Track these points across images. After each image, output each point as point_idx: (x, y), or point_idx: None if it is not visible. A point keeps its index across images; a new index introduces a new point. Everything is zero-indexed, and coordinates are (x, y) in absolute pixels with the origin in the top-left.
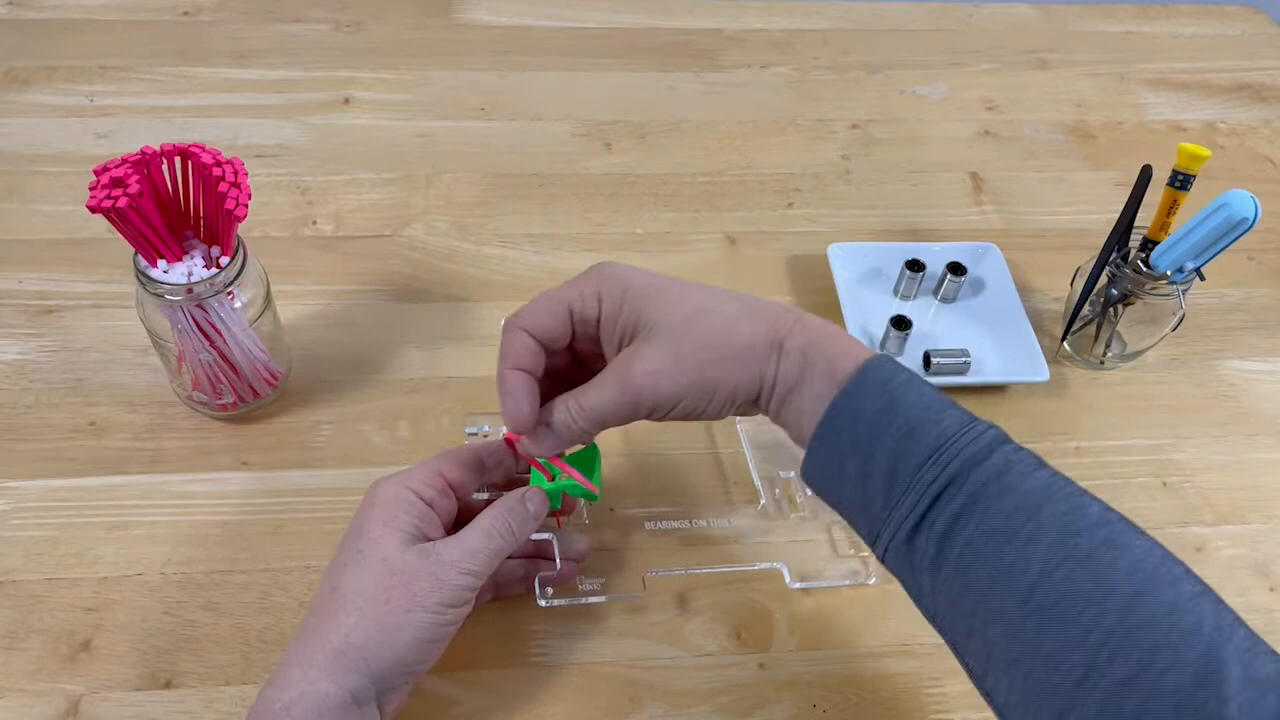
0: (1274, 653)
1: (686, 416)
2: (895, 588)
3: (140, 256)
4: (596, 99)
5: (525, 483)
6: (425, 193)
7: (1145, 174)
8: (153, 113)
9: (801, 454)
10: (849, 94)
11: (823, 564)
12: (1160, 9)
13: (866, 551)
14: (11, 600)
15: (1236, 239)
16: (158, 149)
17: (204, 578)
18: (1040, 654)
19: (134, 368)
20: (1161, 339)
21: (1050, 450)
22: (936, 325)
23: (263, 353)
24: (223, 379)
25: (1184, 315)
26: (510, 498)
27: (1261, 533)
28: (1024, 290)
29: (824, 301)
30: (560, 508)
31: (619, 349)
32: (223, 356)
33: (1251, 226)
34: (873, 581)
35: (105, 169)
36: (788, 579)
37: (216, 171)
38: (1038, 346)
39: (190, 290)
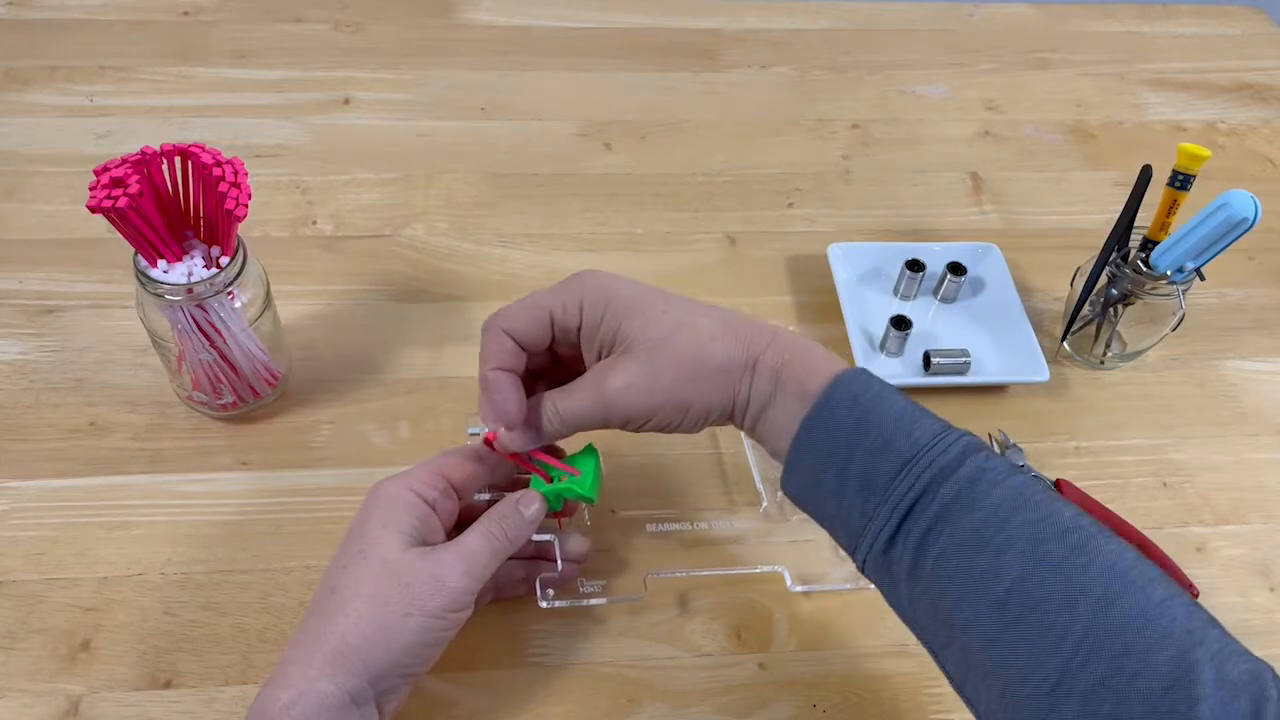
0: (1247, 654)
1: (660, 430)
2: None
3: (140, 256)
4: (596, 99)
5: (528, 484)
6: (425, 193)
7: (1145, 174)
8: (153, 113)
9: None
10: (849, 94)
11: (824, 567)
12: (1160, 9)
13: None
14: (11, 600)
15: (1236, 239)
16: (158, 149)
17: (204, 578)
18: (1015, 662)
19: (134, 368)
20: (1161, 339)
21: (1050, 450)
22: (936, 325)
23: (263, 353)
24: (223, 379)
25: (1184, 315)
26: (508, 502)
27: (1261, 533)
28: (1024, 290)
29: (824, 301)
30: (560, 509)
31: (599, 357)
32: (223, 356)
33: (1251, 226)
34: (874, 586)
35: (105, 169)
36: (789, 582)
37: (216, 171)
38: (1038, 346)
39: (190, 290)
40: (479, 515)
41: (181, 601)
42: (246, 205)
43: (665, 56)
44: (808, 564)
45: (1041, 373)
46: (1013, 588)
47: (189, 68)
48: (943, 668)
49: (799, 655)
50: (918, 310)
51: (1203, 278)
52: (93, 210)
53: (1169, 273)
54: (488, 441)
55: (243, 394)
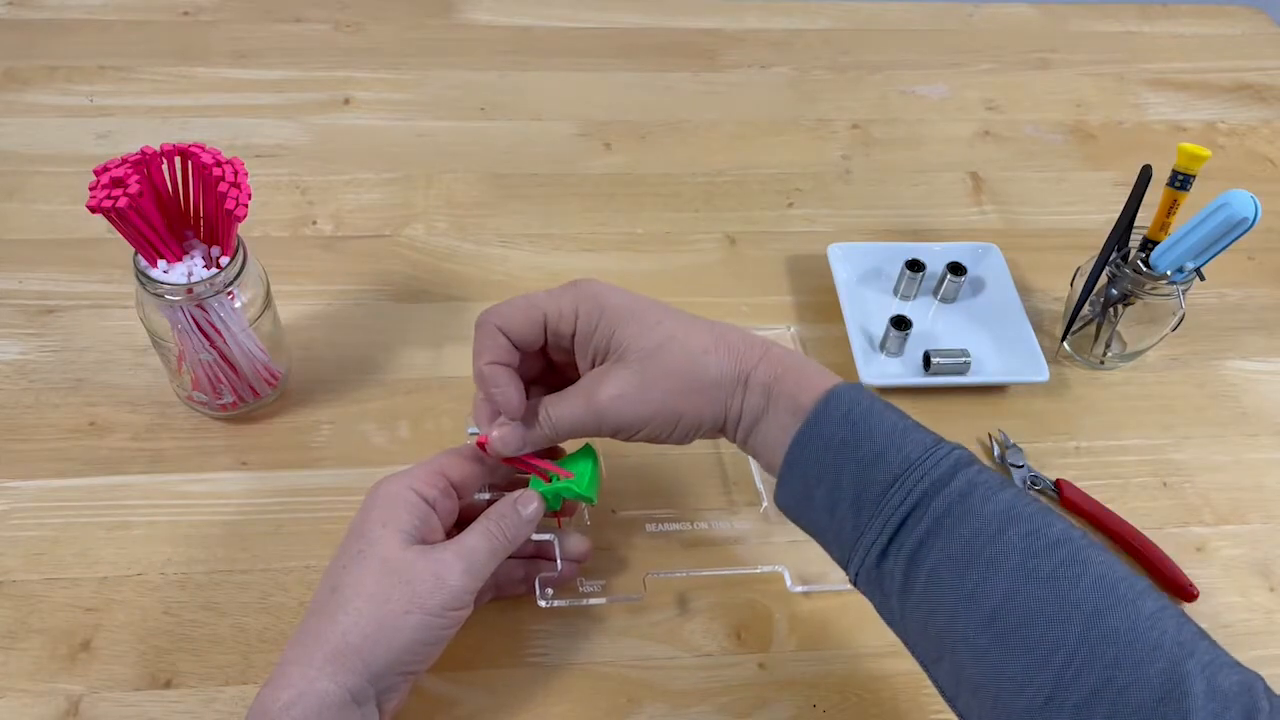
0: (1237, 665)
1: (651, 440)
2: None
3: (140, 256)
4: (596, 99)
5: (527, 483)
6: (425, 193)
7: (1145, 174)
8: (153, 113)
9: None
10: (849, 94)
11: (824, 567)
12: (1160, 9)
13: None
14: (11, 600)
15: (1236, 239)
16: (158, 149)
17: (204, 578)
18: (1006, 677)
19: (134, 368)
20: (1161, 339)
21: (1050, 450)
22: (936, 325)
23: (263, 353)
24: (223, 379)
25: (1184, 315)
26: (506, 501)
27: (1261, 533)
28: (1024, 290)
29: (824, 301)
30: (560, 509)
31: (592, 365)
32: (223, 356)
33: (1251, 226)
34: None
35: (105, 169)
36: (789, 583)
37: (216, 171)
38: (1038, 346)
39: (190, 290)
40: (479, 514)
41: (181, 601)
42: (246, 205)
43: (665, 56)
44: (807, 564)
45: (1041, 373)
46: (1004, 602)
47: (189, 68)
48: (935, 681)
49: (799, 655)
50: (918, 310)
51: (1203, 278)
52: (93, 210)
53: (1169, 273)
54: (481, 445)
55: (243, 394)
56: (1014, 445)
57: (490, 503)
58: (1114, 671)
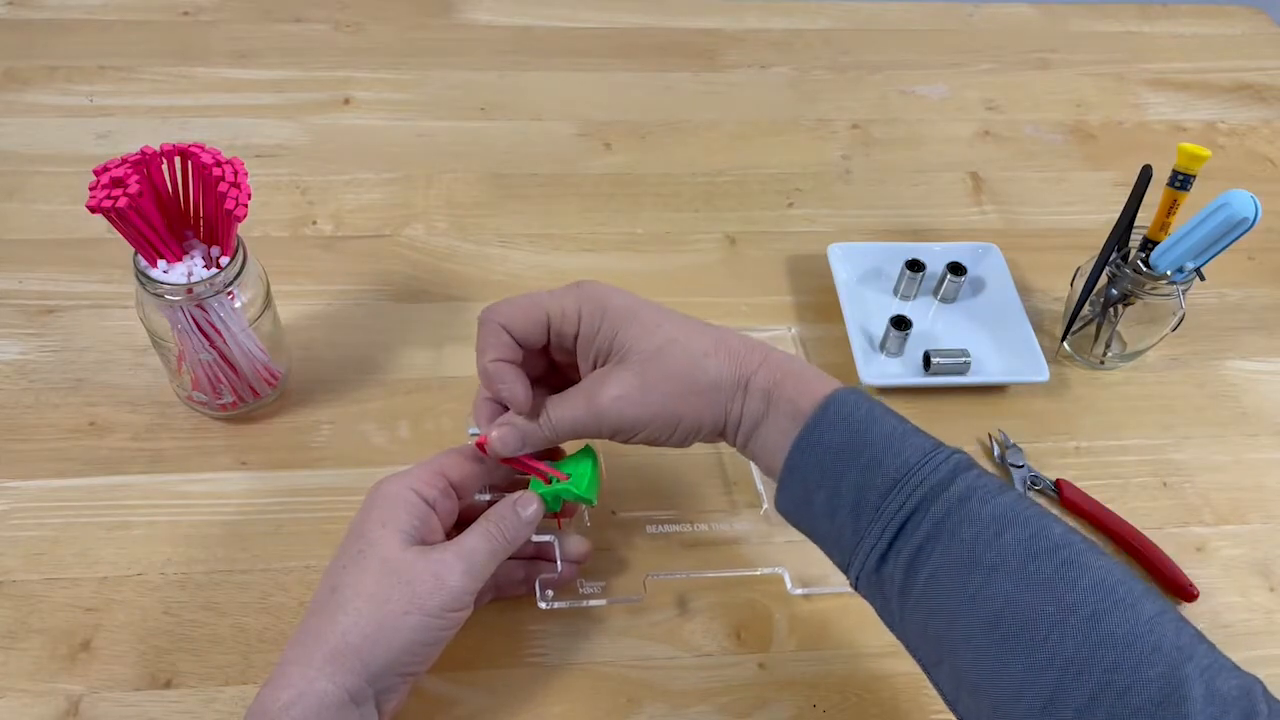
0: (1236, 669)
1: (651, 443)
2: None
3: (140, 256)
4: (596, 99)
5: (527, 484)
6: (425, 193)
7: (1145, 174)
8: (153, 113)
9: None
10: (849, 94)
11: (824, 569)
12: (1160, 9)
13: None
14: (11, 600)
15: (1236, 239)
16: (158, 149)
17: (204, 578)
18: (1006, 681)
19: (134, 368)
20: (1161, 339)
21: (1050, 450)
22: (936, 325)
23: (263, 353)
24: (223, 379)
25: (1184, 315)
26: (506, 503)
27: (1261, 533)
28: (1024, 290)
29: (824, 301)
30: (560, 510)
31: (593, 366)
32: (223, 356)
33: (1251, 226)
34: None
35: (105, 169)
36: (789, 585)
37: (216, 171)
38: (1038, 346)
39: (190, 290)
40: (479, 515)
41: (181, 601)
42: (246, 205)
43: (665, 56)
44: (808, 566)
45: (1041, 373)
46: (1003, 606)
47: (189, 68)
48: (935, 684)
49: (799, 655)
50: (918, 310)
51: (1203, 278)
52: (93, 210)
53: (1169, 273)
54: (480, 446)
55: (243, 394)
56: (1014, 445)
57: (490, 504)
58: (1113, 675)
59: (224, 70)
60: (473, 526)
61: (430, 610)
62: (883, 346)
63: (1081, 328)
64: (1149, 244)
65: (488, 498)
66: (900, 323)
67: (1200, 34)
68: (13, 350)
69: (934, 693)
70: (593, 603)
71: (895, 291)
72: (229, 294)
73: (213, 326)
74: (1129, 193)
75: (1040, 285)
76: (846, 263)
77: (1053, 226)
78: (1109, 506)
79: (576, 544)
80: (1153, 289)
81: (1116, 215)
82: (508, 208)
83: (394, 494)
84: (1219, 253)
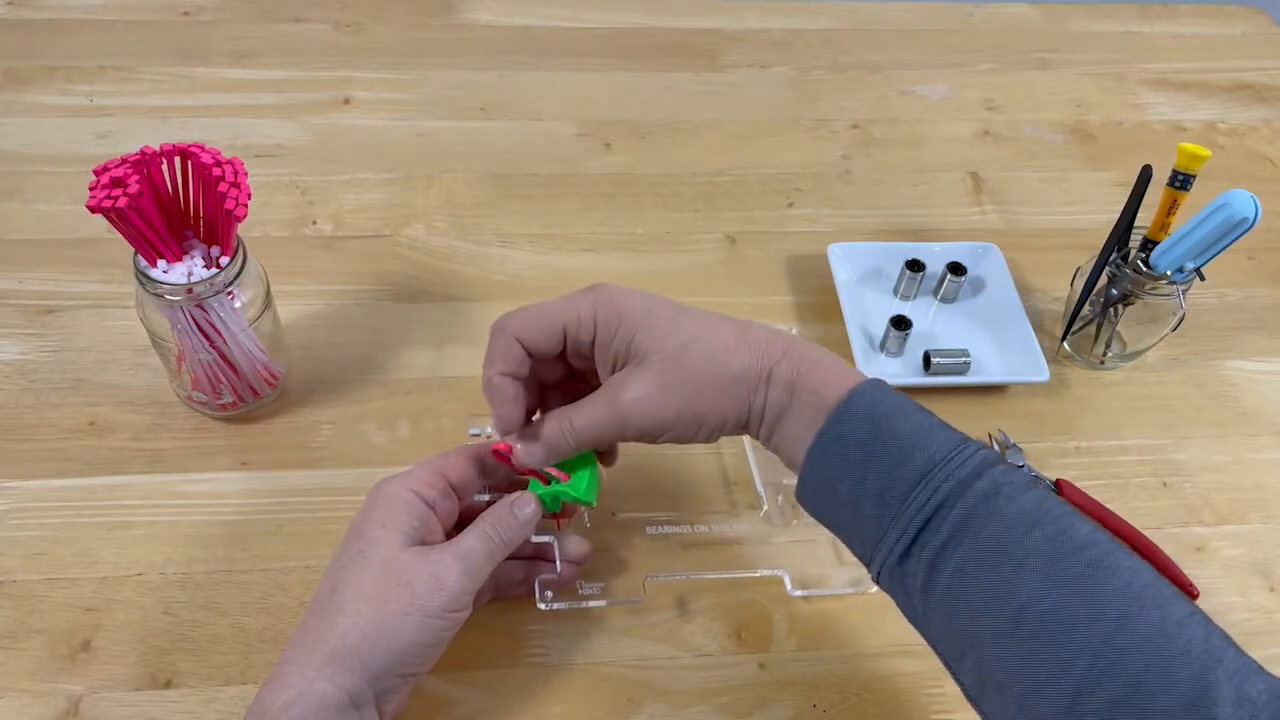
0: (1264, 673)
1: (677, 441)
2: None
3: (140, 256)
4: (596, 99)
5: (526, 485)
6: (425, 193)
7: (1145, 174)
8: (153, 113)
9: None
10: (849, 94)
11: (824, 570)
12: (1160, 9)
13: None
14: (11, 600)
15: (1236, 239)
16: (158, 149)
17: (204, 578)
18: (1031, 679)
19: (134, 368)
20: (1161, 339)
21: (1050, 450)
22: (936, 325)
23: (263, 353)
24: (223, 379)
25: (1184, 315)
26: (503, 503)
27: (1261, 533)
28: (1024, 290)
29: (824, 301)
30: (559, 511)
31: (612, 371)
32: (223, 356)
33: (1251, 226)
34: (875, 590)
35: (105, 169)
36: (789, 586)
37: (216, 171)
38: (1038, 346)
39: (190, 290)
40: (478, 515)
41: (181, 601)
42: (246, 205)
43: (665, 56)
44: (808, 567)
45: (1041, 373)
46: (1029, 604)
47: (189, 68)
48: (957, 679)
49: (799, 655)
50: (918, 310)
51: (1203, 278)
52: (93, 210)
53: (1169, 273)
54: (498, 452)
55: (243, 394)
56: (1014, 445)
57: (489, 504)
58: (1141, 677)
59: (224, 70)
60: (470, 527)
61: (430, 611)
62: (883, 346)
63: (1081, 328)
64: (1149, 244)
65: (487, 498)
66: (900, 323)
67: (1200, 34)
68: (13, 350)
69: (934, 694)
70: (592, 604)
71: (895, 291)
72: (229, 294)
73: (213, 326)
74: (1129, 193)
75: (1040, 285)
76: (846, 263)
77: (1053, 226)
78: (1109, 506)
79: (576, 545)
80: (1153, 289)
81: (1116, 215)
82: (508, 208)
83: (394, 494)
84: (1219, 253)
